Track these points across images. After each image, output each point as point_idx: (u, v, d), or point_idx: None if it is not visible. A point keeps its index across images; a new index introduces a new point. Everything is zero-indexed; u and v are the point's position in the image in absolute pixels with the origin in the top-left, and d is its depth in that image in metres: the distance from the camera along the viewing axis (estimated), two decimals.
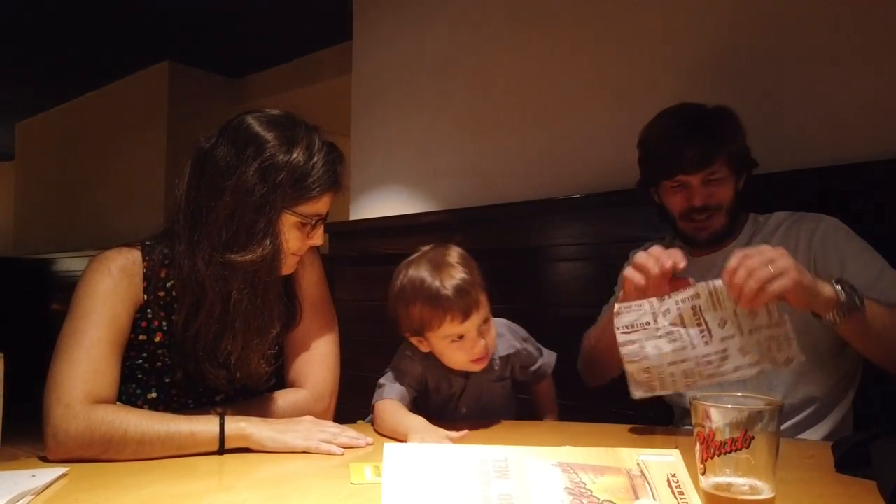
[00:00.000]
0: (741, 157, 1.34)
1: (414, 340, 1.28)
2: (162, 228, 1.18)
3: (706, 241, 1.36)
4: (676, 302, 1.05)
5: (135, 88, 4.76)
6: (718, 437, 0.68)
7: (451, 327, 1.19)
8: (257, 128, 1.10)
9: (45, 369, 1.02)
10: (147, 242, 1.17)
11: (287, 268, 1.15)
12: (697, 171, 1.29)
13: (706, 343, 1.05)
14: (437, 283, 1.18)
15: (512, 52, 2.37)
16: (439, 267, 1.21)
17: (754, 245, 1.33)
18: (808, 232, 1.28)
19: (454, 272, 1.20)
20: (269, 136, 1.09)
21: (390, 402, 1.21)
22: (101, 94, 5.11)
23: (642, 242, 1.95)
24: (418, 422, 1.13)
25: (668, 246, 1.20)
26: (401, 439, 1.08)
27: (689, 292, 1.05)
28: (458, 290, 1.18)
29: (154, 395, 1.14)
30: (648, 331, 1.07)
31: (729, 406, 0.69)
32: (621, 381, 1.94)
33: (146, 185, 4.54)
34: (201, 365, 1.11)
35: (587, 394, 1.62)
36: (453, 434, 1.09)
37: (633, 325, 1.09)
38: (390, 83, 2.81)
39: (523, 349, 1.39)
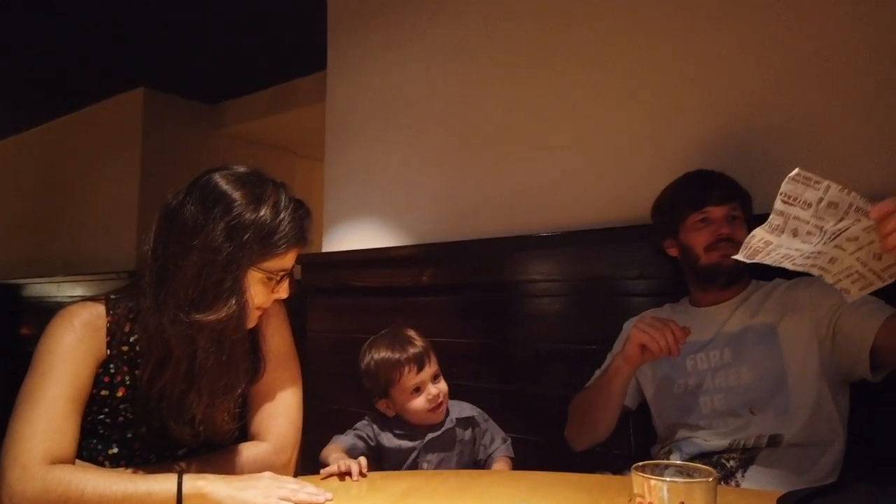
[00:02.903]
0: (751, 211, 1.53)
1: (381, 405, 1.57)
2: (127, 282, 1.19)
3: (728, 272, 1.48)
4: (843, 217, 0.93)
5: (109, 113, 4.73)
6: None
7: (409, 378, 1.52)
8: (224, 186, 1.11)
9: (13, 394, 1.03)
10: (112, 296, 1.17)
11: (251, 321, 1.16)
12: (723, 204, 1.47)
13: (823, 244, 0.96)
14: (396, 352, 1.55)
15: (486, 89, 2.41)
16: (396, 339, 1.58)
17: (752, 301, 1.47)
18: (803, 288, 1.41)
19: (408, 340, 1.57)
20: (236, 194, 1.10)
21: (333, 445, 1.50)
22: (74, 118, 5.08)
23: (612, 281, 2.01)
24: (332, 454, 1.40)
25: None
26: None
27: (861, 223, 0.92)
28: (414, 352, 1.55)
29: (115, 450, 1.13)
30: (803, 214, 0.94)
31: (667, 479, 0.72)
32: None
33: (119, 211, 4.50)
34: (165, 422, 1.11)
35: (554, 430, 1.65)
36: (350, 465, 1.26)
37: (795, 198, 0.94)
38: (364, 114, 2.83)
39: (480, 416, 1.64)
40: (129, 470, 1.08)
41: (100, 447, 1.13)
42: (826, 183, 0.90)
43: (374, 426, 1.57)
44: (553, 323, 2.14)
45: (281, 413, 1.21)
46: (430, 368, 1.56)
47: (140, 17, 3.47)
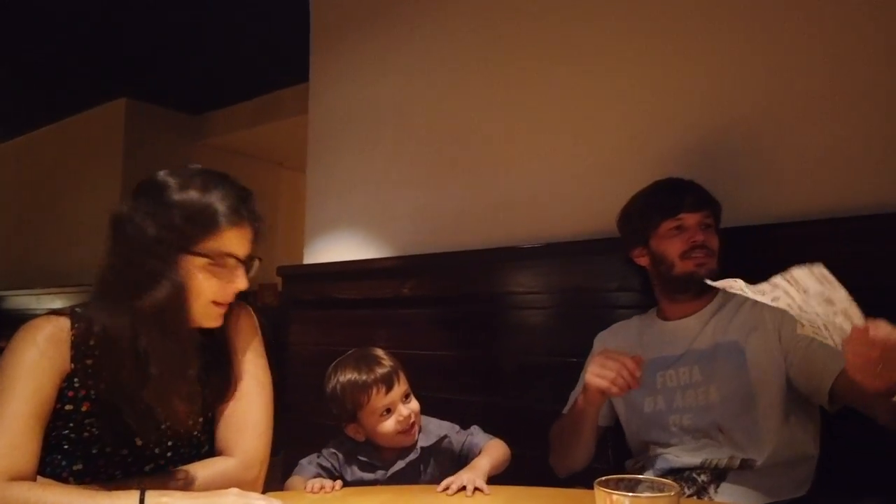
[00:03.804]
0: (720, 219, 1.53)
1: (351, 429, 1.48)
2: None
3: (703, 280, 1.40)
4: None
5: (91, 124, 4.71)
6: None
7: (377, 400, 1.43)
8: (162, 177, 1.12)
9: None
10: (77, 309, 1.16)
11: (210, 318, 1.14)
12: (697, 211, 1.45)
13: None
14: (362, 373, 1.46)
15: (467, 101, 2.41)
16: (362, 360, 1.49)
17: (723, 315, 1.44)
18: (770, 308, 1.34)
19: (375, 361, 1.49)
20: (169, 181, 1.11)
21: (297, 477, 1.44)
22: (56, 128, 5.05)
23: (592, 293, 2.00)
24: (294, 481, 1.42)
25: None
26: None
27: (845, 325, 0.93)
28: (381, 372, 1.46)
29: (80, 466, 1.11)
30: (795, 294, 0.95)
31: (629, 494, 0.71)
32: None
33: (100, 223, 4.43)
34: (126, 419, 1.10)
35: (536, 443, 1.64)
36: (323, 483, 1.30)
37: (797, 282, 0.94)
38: (346, 126, 2.83)
39: (451, 431, 1.53)
40: (92, 487, 1.06)
41: (64, 463, 1.11)
42: (839, 286, 0.90)
43: (340, 456, 1.49)
44: (534, 335, 2.13)
45: (249, 428, 1.18)
46: (400, 388, 1.47)
47: (123, 28, 3.46)
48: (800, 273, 0.91)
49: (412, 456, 1.46)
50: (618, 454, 1.64)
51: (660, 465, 1.39)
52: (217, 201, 1.10)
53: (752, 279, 1.44)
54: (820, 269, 0.90)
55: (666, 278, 1.49)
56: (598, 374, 1.26)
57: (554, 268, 2.10)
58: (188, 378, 1.11)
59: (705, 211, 1.47)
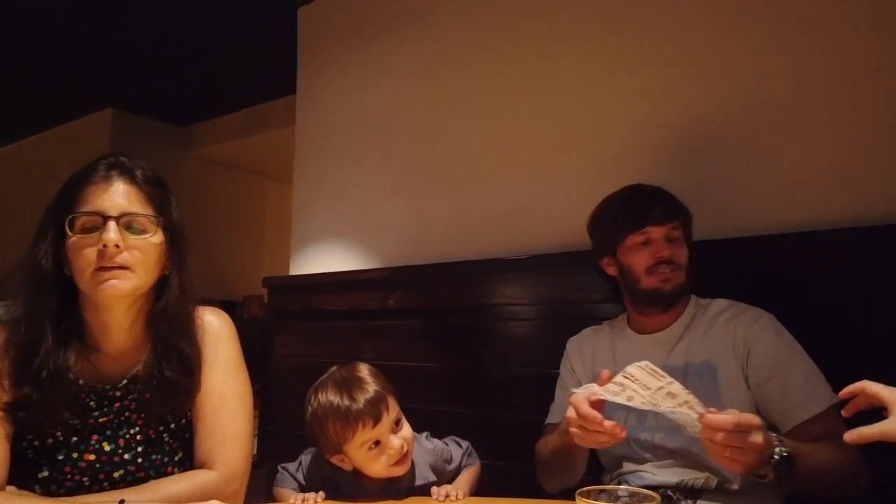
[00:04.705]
0: (690, 228, 1.49)
1: (336, 460, 1.34)
2: None
3: (669, 296, 1.41)
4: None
5: (77, 135, 4.66)
6: None
7: (364, 434, 1.28)
8: None
9: None
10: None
11: (104, 288, 1.08)
12: (664, 224, 1.40)
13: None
14: (345, 400, 1.29)
15: (453, 113, 2.42)
16: (344, 384, 1.32)
17: (697, 326, 1.41)
18: (744, 329, 1.35)
19: (359, 385, 1.32)
20: None
21: (286, 490, 1.38)
22: (41, 139, 5.00)
23: (577, 304, 2.00)
24: (283, 493, 1.37)
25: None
26: None
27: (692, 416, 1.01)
28: (366, 400, 1.28)
29: (46, 473, 1.09)
30: (640, 391, 1.03)
31: None
32: None
33: None
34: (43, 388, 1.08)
35: (522, 455, 1.63)
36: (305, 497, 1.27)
37: (637, 379, 1.04)
38: (333, 138, 2.83)
39: (441, 461, 1.44)
40: (70, 499, 1.04)
41: (29, 472, 1.09)
42: (670, 379, 1.00)
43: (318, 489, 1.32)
44: (520, 346, 2.13)
45: (230, 440, 1.16)
46: (389, 416, 1.29)
47: (110, 38, 3.44)
48: (635, 370, 1.01)
49: (398, 496, 1.33)
50: (600, 464, 1.63)
51: (635, 481, 1.35)
52: (87, 167, 1.13)
53: (752, 291, 1.48)
54: (647, 365, 1.00)
55: (632, 291, 1.46)
56: (581, 437, 1.15)
57: (539, 279, 2.10)
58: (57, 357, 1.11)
59: (673, 223, 1.42)
